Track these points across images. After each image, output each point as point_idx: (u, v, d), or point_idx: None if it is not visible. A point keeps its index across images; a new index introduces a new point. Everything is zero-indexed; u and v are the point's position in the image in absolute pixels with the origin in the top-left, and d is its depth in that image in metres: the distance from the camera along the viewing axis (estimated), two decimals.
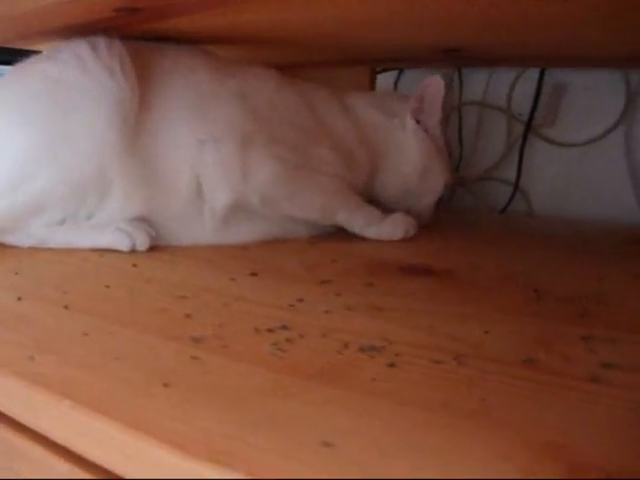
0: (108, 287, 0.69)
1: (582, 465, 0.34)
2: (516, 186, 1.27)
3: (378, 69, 1.38)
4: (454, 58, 1.13)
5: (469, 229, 1.10)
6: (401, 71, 1.40)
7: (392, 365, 0.48)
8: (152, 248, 0.86)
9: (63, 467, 0.42)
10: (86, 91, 0.82)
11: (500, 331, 0.56)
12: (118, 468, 0.39)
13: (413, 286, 0.71)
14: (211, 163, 0.88)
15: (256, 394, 0.43)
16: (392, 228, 0.95)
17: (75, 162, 0.82)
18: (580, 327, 0.57)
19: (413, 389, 0.43)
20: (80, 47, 0.85)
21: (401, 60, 1.24)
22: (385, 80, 1.39)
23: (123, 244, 0.84)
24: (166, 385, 0.44)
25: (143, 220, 0.87)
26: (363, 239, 0.94)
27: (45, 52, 0.92)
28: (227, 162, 0.88)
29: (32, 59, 0.88)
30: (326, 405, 0.41)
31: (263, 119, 0.92)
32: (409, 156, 1.02)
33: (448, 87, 1.34)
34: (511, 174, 1.28)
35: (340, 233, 0.96)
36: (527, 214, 1.29)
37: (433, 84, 0.99)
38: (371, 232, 0.95)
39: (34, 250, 0.84)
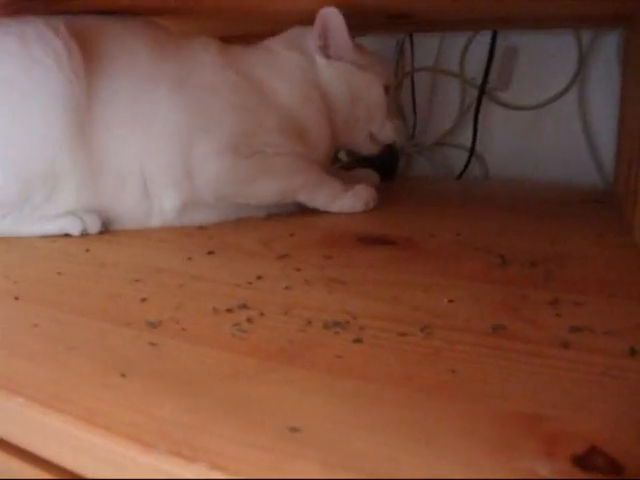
0: (60, 274, 0.67)
1: (561, 435, 0.33)
2: (472, 151, 1.26)
3: None
4: (404, 24, 1.11)
5: (427, 196, 1.09)
6: (353, 38, 1.37)
7: (358, 340, 0.46)
8: (105, 231, 0.84)
9: (14, 465, 0.40)
10: (32, 86, 0.78)
11: (465, 299, 0.54)
12: (73, 465, 0.37)
13: (373, 257, 0.69)
14: (154, 163, 0.84)
15: (217, 379, 0.41)
16: (353, 201, 0.93)
17: (22, 159, 0.78)
18: (546, 291, 0.56)
19: (380, 365, 0.42)
20: (25, 34, 0.79)
21: (350, 27, 1.21)
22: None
23: (74, 228, 0.81)
24: (122, 374, 0.42)
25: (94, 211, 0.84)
26: (322, 212, 0.92)
27: None
28: (170, 162, 0.84)
29: None
30: (290, 386, 0.39)
31: (204, 107, 0.86)
32: (341, 94, 0.97)
33: (400, 53, 1.32)
34: (466, 139, 1.27)
35: (298, 207, 0.94)
36: (484, 178, 1.28)
37: (327, 16, 0.93)
38: (334, 207, 0.92)
39: None
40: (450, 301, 0.54)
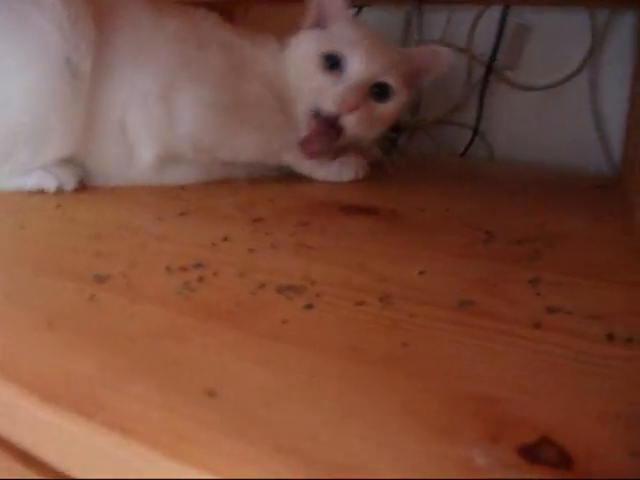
0: (23, 228, 0.64)
1: (512, 422, 0.29)
2: (475, 130, 1.21)
3: None
4: None
5: (424, 173, 1.04)
6: (360, 9, 1.32)
7: (309, 307, 0.42)
8: (82, 189, 0.80)
9: None
10: (23, 41, 0.75)
11: (437, 272, 0.51)
12: None
13: (351, 226, 0.65)
14: (137, 111, 0.81)
15: (149, 338, 0.38)
16: (342, 169, 0.89)
17: (9, 115, 0.75)
18: (529, 270, 0.52)
19: (324, 333, 0.38)
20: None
21: None
22: None
23: (49, 184, 0.77)
24: (50, 326, 0.39)
25: (73, 161, 0.81)
26: (308, 180, 0.88)
27: None
28: (151, 111, 0.81)
29: None
30: (222, 349, 0.36)
31: (192, 59, 0.84)
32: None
33: (407, 26, 1.27)
34: (471, 118, 1.23)
35: (287, 175, 0.89)
36: (488, 159, 1.24)
37: None
38: (320, 173, 0.88)
39: None
40: (421, 273, 0.50)
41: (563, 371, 0.35)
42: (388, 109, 0.88)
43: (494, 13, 1.16)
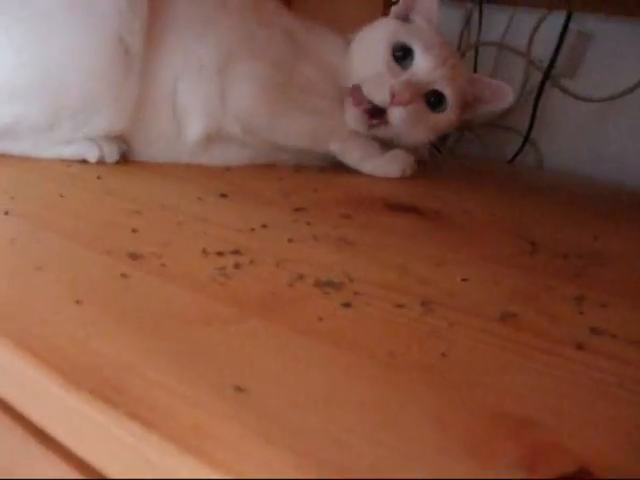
0: (62, 196, 0.63)
1: (551, 448, 0.27)
2: (527, 137, 1.19)
3: None
4: None
5: (470, 176, 1.02)
6: None
7: (347, 305, 0.41)
8: (125, 163, 0.80)
9: None
10: (77, 18, 0.75)
11: (480, 280, 0.49)
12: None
13: (394, 223, 0.64)
14: (189, 84, 0.81)
15: (178, 322, 0.36)
16: (390, 164, 0.87)
17: (57, 88, 0.74)
18: (574, 286, 0.50)
19: (362, 334, 0.37)
20: None
21: None
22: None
23: (91, 154, 0.77)
24: (78, 302, 0.38)
25: (118, 135, 0.80)
26: (354, 172, 0.86)
27: None
28: (205, 83, 0.81)
29: None
30: (253, 342, 0.34)
31: (251, 35, 0.84)
32: None
33: (467, 24, 1.25)
34: (523, 124, 1.20)
35: (332, 166, 0.88)
36: (537, 167, 1.21)
37: None
38: (367, 167, 0.87)
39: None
40: (463, 280, 0.48)
41: (606, 398, 0.33)
42: (436, 120, 0.86)
43: (556, 19, 1.13)
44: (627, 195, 1.00)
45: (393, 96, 0.80)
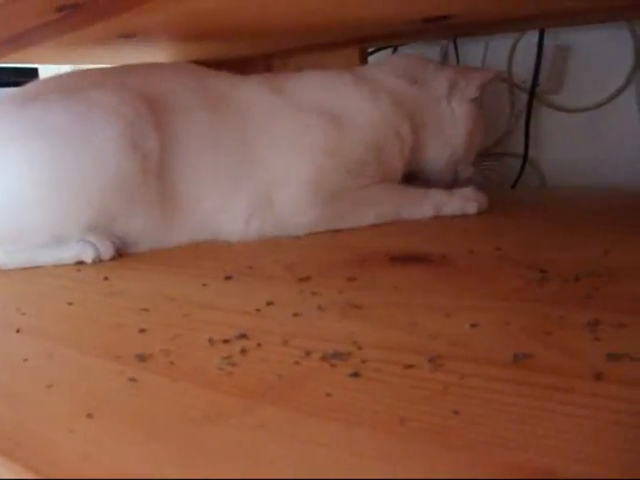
0: (70, 304, 0.63)
1: None
2: (525, 158, 1.18)
3: (370, 49, 1.30)
4: (445, 28, 1.04)
5: None
6: (395, 49, 1.32)
7: (355, 375, 0.40)
8: (128, 258, 0.81)
9: None
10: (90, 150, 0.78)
11: (490, 322, 0.48)
12: None
13: (401, 277, 0.63)
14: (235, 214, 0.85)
15: (185, 421, 0.36)
16: (463, 202, 0.91)
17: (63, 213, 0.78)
18: (587, 311, 0.49)
19: (370, 404, 0.36)
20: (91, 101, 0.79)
21: (390, 36, 1.16)
22: (378, 60, 1.31)
23: (87, 255, 0.78)
24: (89, 416, 0.38)
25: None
26: (355, 228, 0.87)
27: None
28: (252, 213, 0.85)
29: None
30: (259, 432, 0.34)
31: (283, 152, 0.86)
32: (457, 127, 0.97)
33: (444, 60, 1.26)
34: (520, 146, 1.20)
35: None
36: (540, 187, 1.20)
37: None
38: (446, 211, 0.90)
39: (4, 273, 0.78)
40: (472, 326, 0.47)
41: (628, 432, 0.32)
42: None
43: (531, 38, 1.14)
44: (630, 198, 0.99)
45: None
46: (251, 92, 0.90)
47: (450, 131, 0.97)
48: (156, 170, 0.80)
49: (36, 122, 0.77)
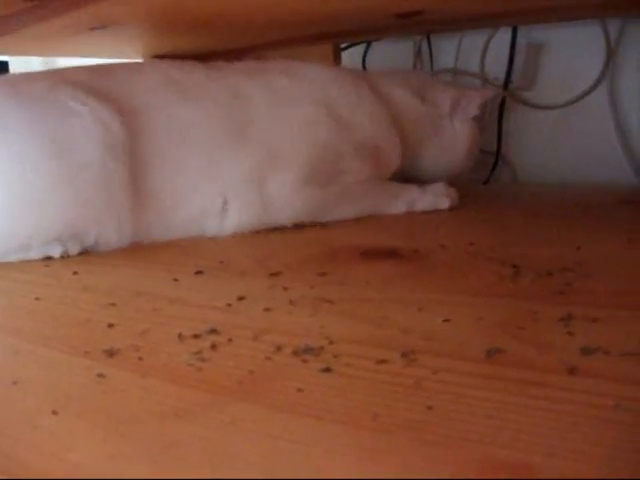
0: (38, 299, 0.62)
1: None
2: (497, 155, 1.19)
3: (343, 45, 1.30)
4: (418, 24, 1.04)
5: None
6: (369, 45, 1.31)
7: (327, 370, 0.40)
8: (99, 253, 0.79)
9: None
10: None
11: (462, 317, 0.48)
12: None
13: (372, 272, 0.63)
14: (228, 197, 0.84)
15: (153, 417, 0.35)
16: (435, 199, 0.92)
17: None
18: (560, 306, 0.49)
19: (342, 400, 0.36)
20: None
21: (363, 32, 1.15)
22: (351, 56, 1.31)
23: (55, 250, 0.76)
24: (55, 412, 0.37)
25: None
26: (325, 223, 0.87)
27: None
28: (244, 195, 0.84)
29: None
30: (230, 428, 0.33)
31: (278, 140, 0.86)
32: (458, 145, 1.01)
33: (418, 56, 1.26)
34: (492, 142, 1.20)
35: None
36: (513, 183, 1.21)
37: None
38: (419, 207, 0.91)
39: None
40: (445, 320, 0.47)
41: (602, 425, 0.31)
42: None
43: (504, 35, 1.15)
44: (601, 194, 1.00)
45: None
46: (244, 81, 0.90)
47: (451, 148, 1.01)
48: (131, 175, 0.78)
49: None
